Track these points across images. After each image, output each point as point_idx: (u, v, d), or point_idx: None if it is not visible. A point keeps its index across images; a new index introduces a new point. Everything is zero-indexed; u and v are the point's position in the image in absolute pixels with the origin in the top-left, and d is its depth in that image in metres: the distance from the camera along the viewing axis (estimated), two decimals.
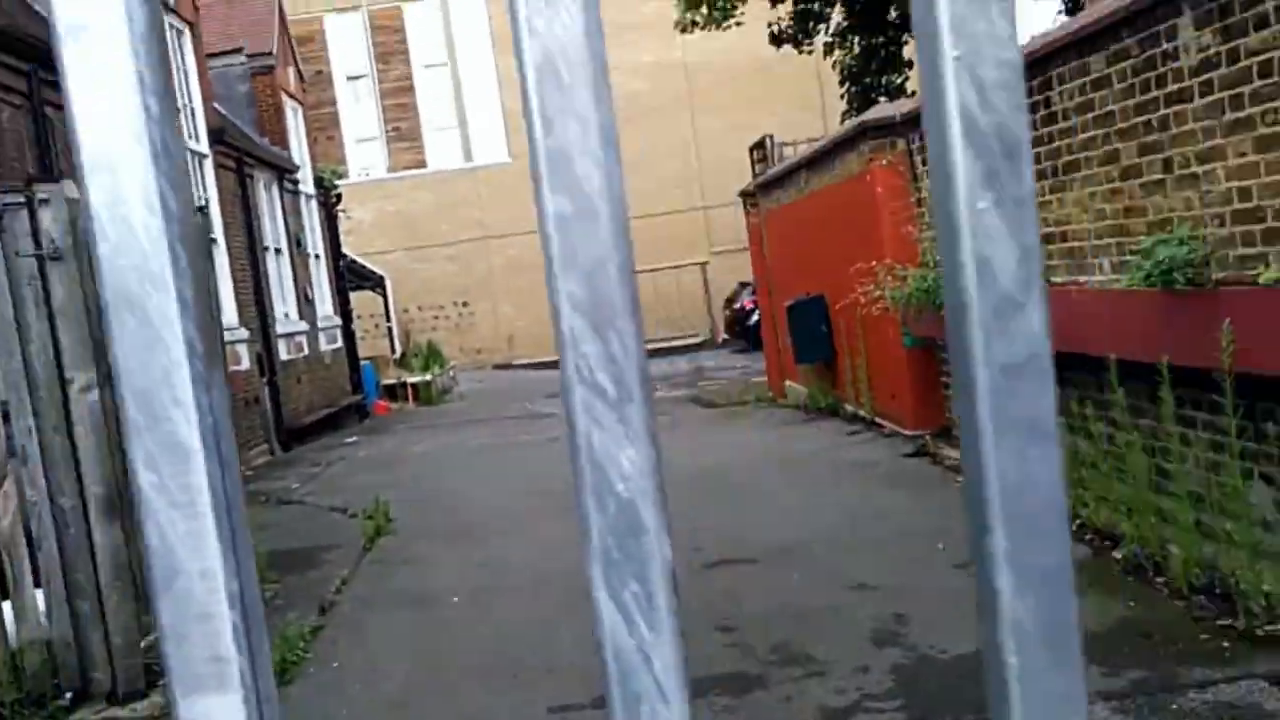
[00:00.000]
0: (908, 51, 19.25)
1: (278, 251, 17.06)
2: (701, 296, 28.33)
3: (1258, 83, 4.47)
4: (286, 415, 15.67)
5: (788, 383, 13.20)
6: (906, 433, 8.88)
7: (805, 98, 28.87)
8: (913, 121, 8.52)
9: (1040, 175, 6.37)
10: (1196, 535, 4.84)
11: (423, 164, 33.16)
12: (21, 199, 4.75)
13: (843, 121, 16.80)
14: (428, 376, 22.66)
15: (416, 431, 15.69)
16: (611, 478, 0.39)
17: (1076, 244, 6.16)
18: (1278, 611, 4.26)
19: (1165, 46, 5.04)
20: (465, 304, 29.71)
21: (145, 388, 0.39)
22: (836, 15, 19.34)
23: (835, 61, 19.78)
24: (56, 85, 0.42)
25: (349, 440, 15.38)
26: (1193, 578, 4.72)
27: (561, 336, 0.41)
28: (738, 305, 25.03)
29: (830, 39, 19.64)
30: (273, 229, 16.99)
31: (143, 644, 4.79)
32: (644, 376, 0.40)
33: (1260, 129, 4.49)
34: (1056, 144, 6.15)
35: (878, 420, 9.76)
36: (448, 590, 6.25)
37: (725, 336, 26.79)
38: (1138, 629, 4.49)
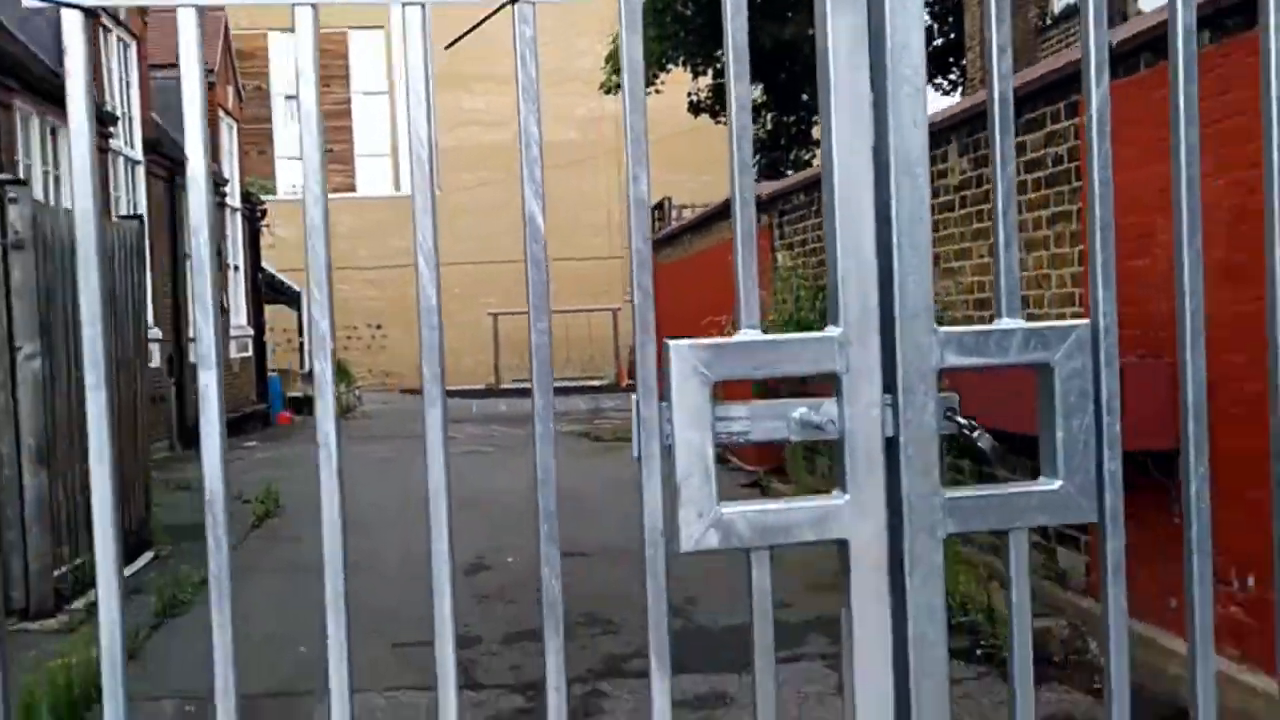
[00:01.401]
0: (815, 132, 20.91)
1: None
2: (610, 340, 29.51)
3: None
4: (190, 414, 16.38)
5: None
6: (749, 468, 10.08)
7: (724, 162, 30.35)
8: (776, 200, 9.81)
9: None
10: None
11: (352, 188, 33.99)
12: None
13: None
14: None
15: (316, 442, 16.47)
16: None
17: None
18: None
19: (940, 166, 6.34)
20: (379, 327, 30.49)
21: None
22: (755, 92, 20.85)
23: None
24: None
25: (249, 444, 16.15)
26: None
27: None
28: None
29: None
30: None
31: (55, 573, 5.69)
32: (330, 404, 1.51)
33: (992, 239, 5.79)
34: None
35: (727, 456, 10.94)
36: (320, 566, 7.21)
37: (629, 380, 28.00)
38: None
